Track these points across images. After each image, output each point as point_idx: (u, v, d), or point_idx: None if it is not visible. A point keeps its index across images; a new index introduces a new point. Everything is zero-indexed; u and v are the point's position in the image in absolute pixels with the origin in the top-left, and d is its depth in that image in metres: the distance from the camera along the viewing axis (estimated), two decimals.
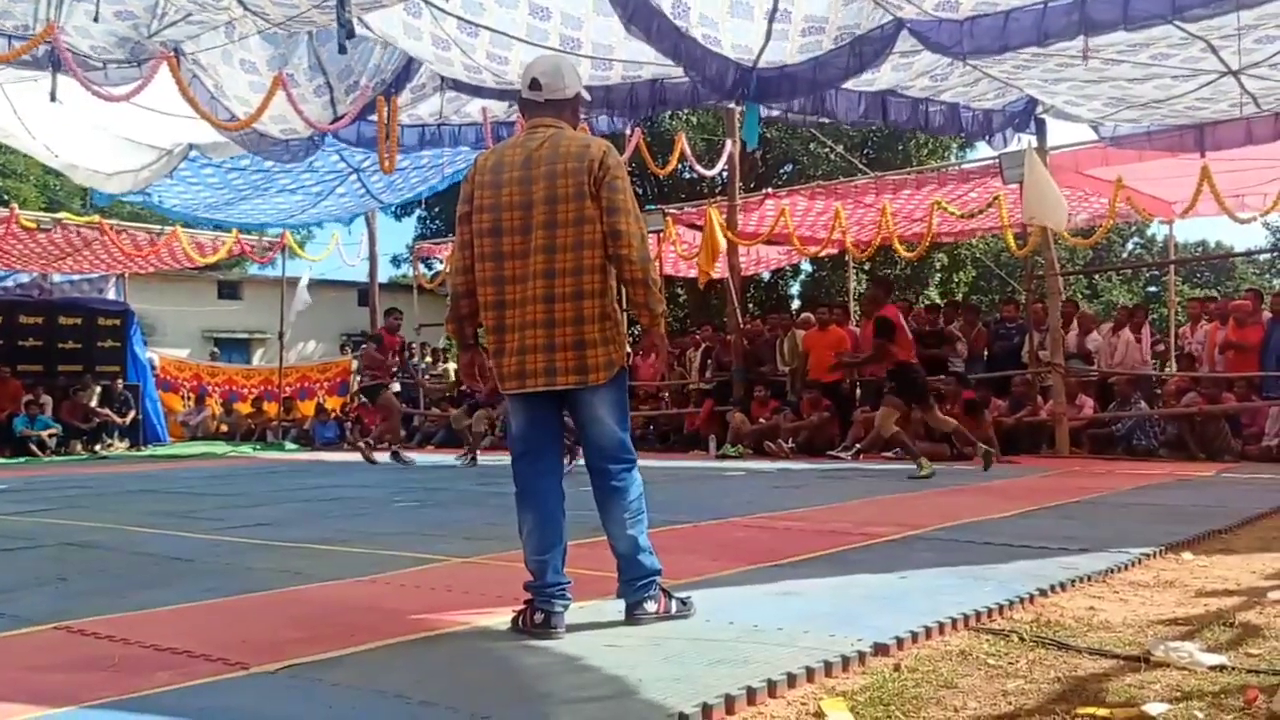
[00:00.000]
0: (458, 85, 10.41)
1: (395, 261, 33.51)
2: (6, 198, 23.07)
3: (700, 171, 16.60)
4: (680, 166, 17.82)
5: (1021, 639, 3.11)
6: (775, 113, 9.68)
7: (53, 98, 9.30)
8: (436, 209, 29.73)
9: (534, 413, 3.37)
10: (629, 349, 3.40)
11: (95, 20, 8.52)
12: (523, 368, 3.27)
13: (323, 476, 10.51)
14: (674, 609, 3.36)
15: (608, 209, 3.21)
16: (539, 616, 3.21)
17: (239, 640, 3.18)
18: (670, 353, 3.63)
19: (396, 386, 14.11)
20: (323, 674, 2.79)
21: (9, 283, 18.45)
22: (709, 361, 14.82)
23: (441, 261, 21.49)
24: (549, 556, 3.29)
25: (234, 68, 10.08)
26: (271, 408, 18.87)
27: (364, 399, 13.40)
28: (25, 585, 4.38)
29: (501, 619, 3.41)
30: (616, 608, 3.41)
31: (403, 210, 26.06)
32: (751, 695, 2.48)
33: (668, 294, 18.71)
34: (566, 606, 3.27)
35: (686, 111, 22.72)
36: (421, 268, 21.48)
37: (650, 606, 3.32)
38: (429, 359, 20.21)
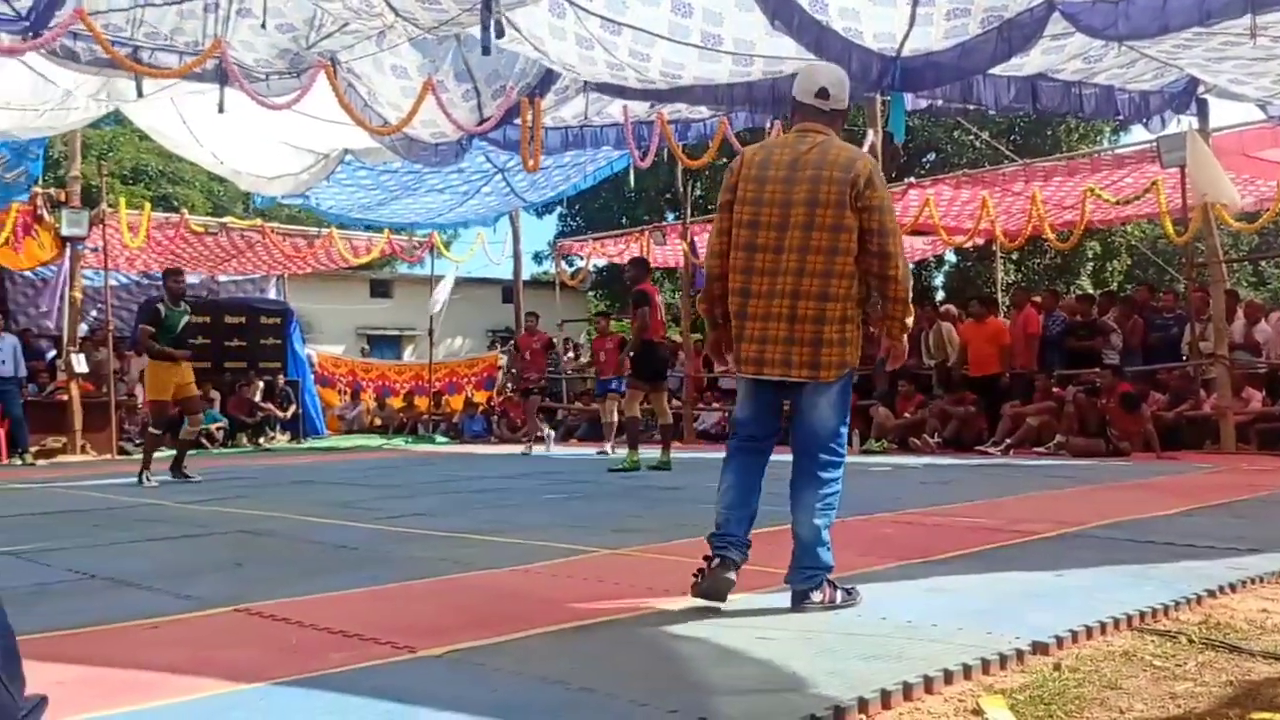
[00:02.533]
0: (600, 87, 10.56)
1: (537, 259, 34.16)
2: (176, 204, 24.38)
3: None
4: None
5: (1190, 641, 3.02)
6: (923, 103, 9.50)
7: (220, 109, 9.82)
8: (577, 207, 30.18)
9: (761, 398, 3.62)
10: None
11: (262, 27, 8.94)
12: (761, 355, 3.48)
13: (472, 469, 10.81)
14: (839, 599, 3.45)
15: (877, 230, 3.39)
16: (715, 561, 3.45)
17: (405, 625, 3.33)
18: (903, 355, 3.76)
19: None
20: (485, 659, 2.90)
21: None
22: None
23: (582, 259, 21.82)
24: (735, 512, 3.54)
25: (386, 74, 10.46)
26: (422, 402, 19.47)
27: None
28: (205, 570, 4.66)
29: (653, 610, 3.48)
30: (771, 601, 3.45)
31: (544, 209, 26.50)
32: (908, 690, 2.48)
33: None
34: (738, 561, 3.46)
35: None
36: (563, 264, 21.82)
37: (816, 596, 3.43)
38: (571, 354, 20.55)
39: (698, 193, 23.35)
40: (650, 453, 10.51)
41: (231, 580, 4.35)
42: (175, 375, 9.63)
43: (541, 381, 14.18)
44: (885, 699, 2.43)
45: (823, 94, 3.58)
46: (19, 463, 13.22)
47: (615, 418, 12.54)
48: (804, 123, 3.58)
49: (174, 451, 10.15)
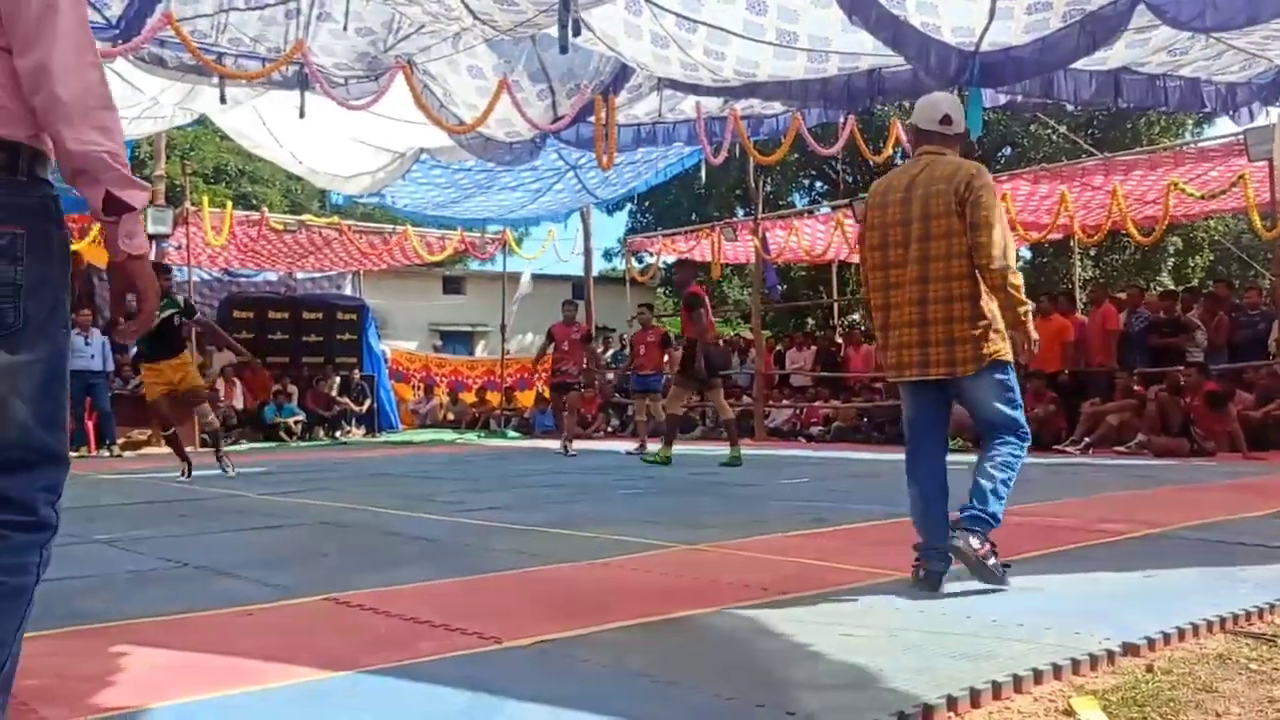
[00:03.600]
0: (674, 84, 10.58)
1: (607, 255, 34.24)
2: (255, 202, 24.90)
3: None
4: (894, 152, 17.47)
5: None
6: (1002, 99, 9.37)
7: (301, 115, 10.04)
8: (647, 204, 30.22)
9: (917, 399, 3.91)
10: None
11: (344, 30, 9.11)
12: (900, 360, 3.83)
13: (544, 463, 10.90)
14: (991, 563, 3.62)
15: (971, 225, 3.65)
16: (921, 573, 3.73)
17: (490, 616, 3.38)
18: (1030, 346, 3.87)
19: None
20: (571, 651, 2.94)
21: (259, 280, 19.96)
22: None
23: (652, 255, 21.84)
24: (927, 523, 3.78)
25: (462, 75, 10.59)
26: (494, 397, 19.67)
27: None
28: (292, 559, 4.78)
29: (733, 606, 3.49)
30: (853, 599, 3.44)
31: (615, 205, 26.59)
32: (997, 690, 2.47)
33: None
34: (945, 567, 3.70)
35: None
36: (633, 261, 21.87)
37: (974, 541, 3.60)
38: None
39: (769, 188, 23.29)
40: (717, 450, 10.50)
41: (318, 570, 4.45)
42: (162, 376, 9.39)
43: (580, 376, 13.19)
44: (974, 698, 2.42)
45: (945, 120, 3.89)
46: (106, 454, 13.62)
47: (662, 416, 12.56)
48: (926, 147, 3.89)
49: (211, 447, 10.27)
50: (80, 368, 13.68)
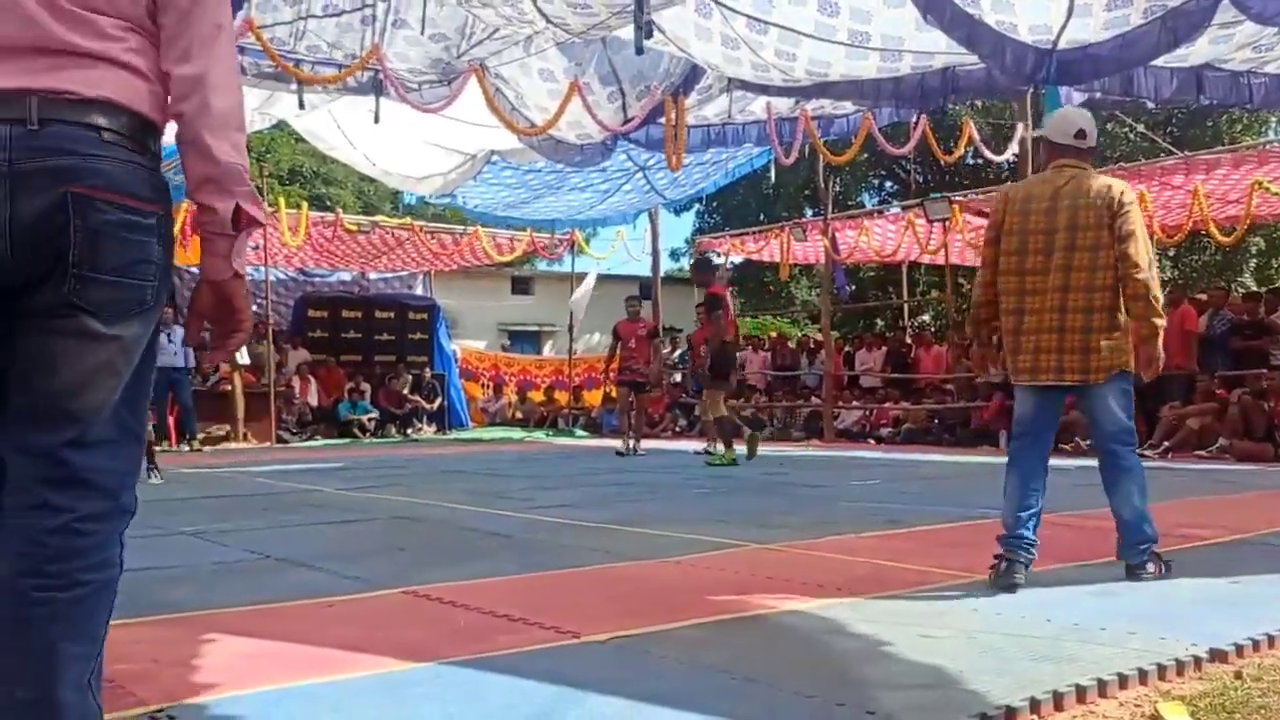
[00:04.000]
0: (744, 85, 10.56)
1: (675, 255, 34.23)
2: (329, 203, 25.33)
3: (989, 157, 16.01)
4: (966, 152, 17.25)
5: None
6: (1079, 97, 9.21)
7: (376, 120, 10.22)
8: (715, 204, 30.18)
9: (1038, 400, 4.01)
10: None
11: (421, 34, 9.24)
12: (1035, 364, 3.93)
13: (612, 462, 10.94)
14: (1163, 570, 3.90)
15: (1119, 236, 3.80)
16: (1003, 564, 3.78)
17: (567, 611, 3.42)
18: (1155, 360, 4.02)
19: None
20: (648, 647, 2.96)
21: (333, 280, 20.32)
22: (1000, 353, 14.29)
23: (720, 255, 21.81)
24: (1021, 514, 3.85)
25: (533, 78, 10.68)
26: (562, 396, 19.79)
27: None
28: (370, 552, 4.87)
29: (808, 605, 3.49)
30: (930, 599, 3.42)
31: (683, 206, 26.62)
32: (1081, 693, 2.44)
33: (950, 284, 18.13)
34: (1028, 563, 3.79)
35: None
36: None
37: (1150, 568, 3.87)
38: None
39: (838, 188, 23.11)
40: (785, 451, 10.45)
41: (395, 563, 4.53)
42: None
43: (650, 374, 12.57)
44: (1057, 700, 2.40)
45: (1080, 135, 4.06)
46: (186, 449, 13.95)
47: (721, 412, 12.51)
48: (1060, 160, 4.03)
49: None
50: (164, 363, 14.03)
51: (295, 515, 6.39)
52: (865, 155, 22.35)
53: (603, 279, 20.66)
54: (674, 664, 2.79)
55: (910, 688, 2.55)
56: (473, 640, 3.06)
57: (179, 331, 14.23)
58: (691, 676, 2.67)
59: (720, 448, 10.62)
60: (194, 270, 13.35)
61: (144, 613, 3.46)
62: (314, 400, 16.89)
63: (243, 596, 3.75)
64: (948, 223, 14.86)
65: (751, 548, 4.84)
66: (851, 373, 17.22)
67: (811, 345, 18.71)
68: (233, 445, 14.69)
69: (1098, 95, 9.59)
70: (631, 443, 12.03)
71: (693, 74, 10.65)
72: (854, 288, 23.85)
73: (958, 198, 15.58)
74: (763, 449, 11.34)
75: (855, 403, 16.47)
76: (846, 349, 18.41)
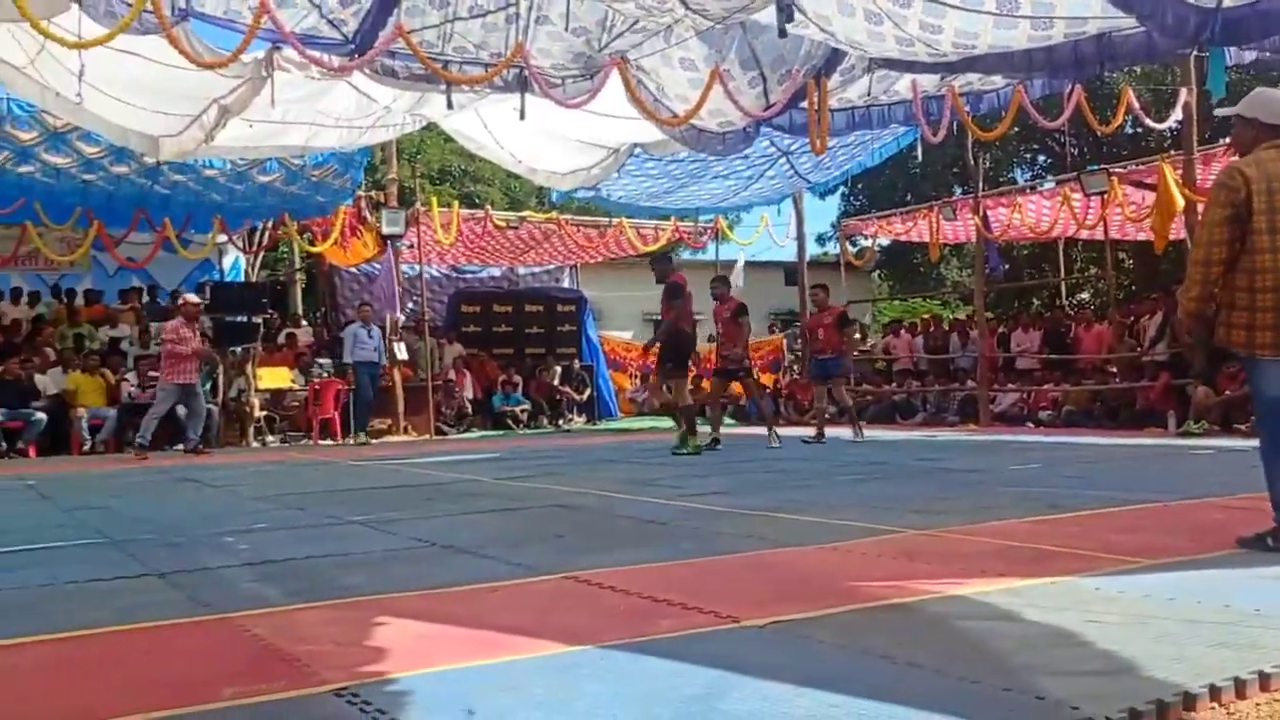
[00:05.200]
0: (888, 63, 10.37)
1: (820, 240, 33.85)
2: (478, 200, 25.95)
3: (1149, 125, 15.30)
4: (1125, 121, 16.51)
5: None
6: (1249, 56, 8.72)
7: (521, 116, 10.45)
8: (859, 186, 29.71)
9: None
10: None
11: (566, 30, 9.40)
12: None
13: (761, 450, 10.92)
14: None
15: None
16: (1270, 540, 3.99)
17: (725, 596, 3.45)
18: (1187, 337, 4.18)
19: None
20: (808, 631, 2.98)
21: (484, 275, 20.85)
22: (1167, 331, 13.67)
23: (867, 238, 21.48)
24: None
25: (674, 68, 10.72)
26: (709, 385, 19.79)
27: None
28: (529, 539, 5.01)
29: (970, 590, 3.44)
30: (1096, 583, 3.33)
31: (827, 189, 26.29)
32: (1265, 681, 2.35)
33: (1111, 260, 17.43)
34: None
35: None
36: (848, 245, 21.56)
37: None
38: (856, 335, 20.29)
39: (988, 164, 22.47)
40: (940, 435, 10.23)
41: (554, 549, 4.65)
42: None
43: (745, 360, 12.07)
44: (1239, 688, 2.31)
45: None
46: (351, 442, 14.54)
47: (849, 402, 12.40)
48: (1273, 140, 4.13)
49: None
50: (364, 358, 14.60)
51: (457, 504, 6.62)
52: (1016, 129, 21.61)
53: (747, 266, 20.59)
54: (834, 649, 2.79)
55: (1079, 674, 2.50)
56: (633, 624, 3.13)
57: (377, 330, 14.79)
58: (852, 661, 2.68)
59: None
60: (353, 270, 13.89)
61: (324, 597, 3.66)
62: (469, 393, 17.36)
63: (413, 582, 3.91)
64: (1106, 196, 14.31)
65: (908, 533, 4.78)
66: (1007, 354, 16.75)
67: (964, 327, 18.26)
68: (394, 438, 15.23)
69: (1267, 55, 9.07)
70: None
71: (834, 56, 10.52)
72: (1007, 266, 23.13)
73: (1116, 169, 14.97)
74: (917, 433, 11.16)
75: (1011, 385, 16.01)
76: (1001, 330, 17.92)
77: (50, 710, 2.50)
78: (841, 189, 30.27)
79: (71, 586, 4.05)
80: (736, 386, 19.53)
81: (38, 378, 14.01)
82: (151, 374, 14.34)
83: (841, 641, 2.86)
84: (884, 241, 22.44)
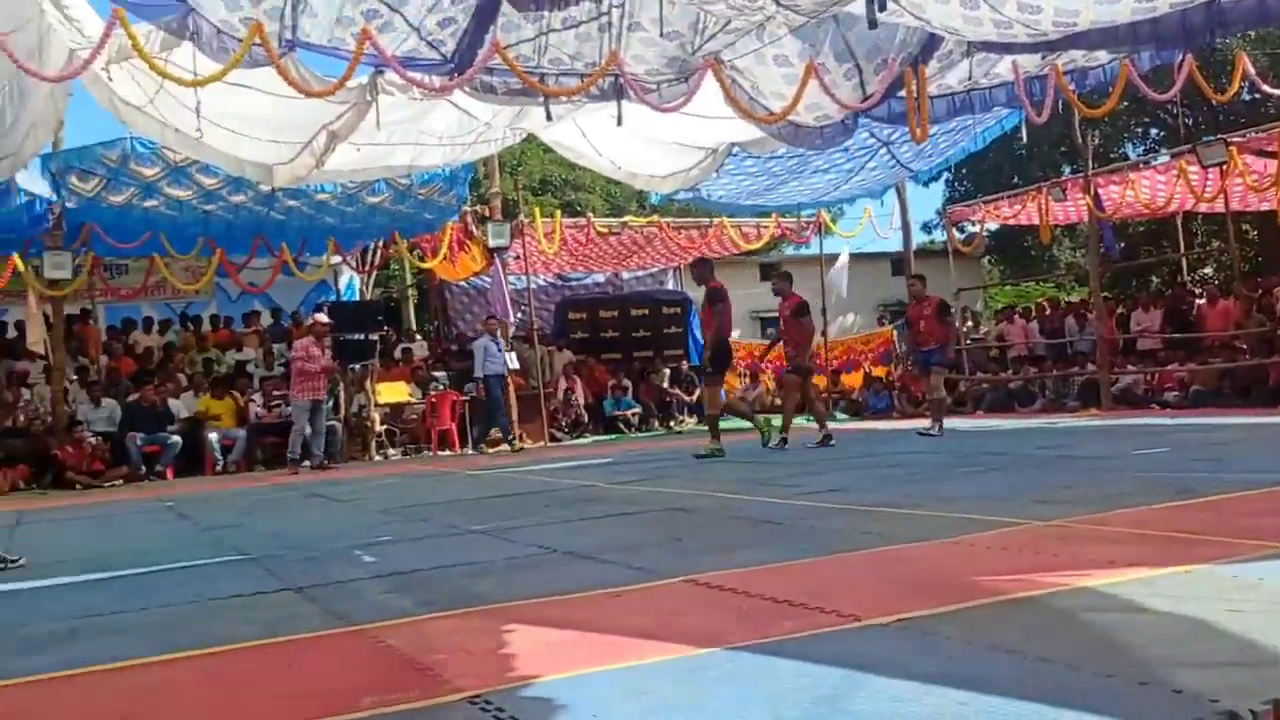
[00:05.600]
0: (987, 46, 10.16)
1: (926, 228, 33.26)
2: (579, 208, 26.23)
3: (1268, 91, 14.68)
4: (1240, 89, 15.84)
5: None
6: None
7: (619, 123, 10.53)
8: (964, 171, 29.12)
9: None
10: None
11: (660, 35, 9.46)
12: None
13: (879, 444, 10.82)
14: None
15: None
16: None
17: (845, 594, 3.45)
18: None
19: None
20: (933, 628, 2.95)
21: (588, 282, 21.05)
22: None
23: (975, 224, 21.05)
24: None
25: (768, 65, 10.68)
26: (820, 380, 19.65)
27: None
28: (648, 543, 5.05)
29: (1100, 582, 3.37)
30: (1234, 572, 3.24)
31: (931, 176, 25.84)
32: None
33: (1234, 232, 16.75)
34: None
35: None
36: (955, 232, 21.16)
37: None
38: (969, 323, 19.93)
39: (1097, 141, 21.81)
40: (1061, 422, 9.99)
41: (674, 552, 4.69)
42: None
43: (800, 357, 11.86)
44: None
45: None
46: (470, 451, 14.84)
47: (943, 393, 12.13)
48: None
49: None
50: (496, 371, 14.88)
51: (575, 510, 6.71)
52: (1125, 103, 20.96)
53: (852, 257, 20.39)
54: (962, 645, 2.77)
55: (1219, 665, 2.44)
56: (757, 625, 3.14)
57: (502, 343, 15.05)
58: (981, 657, 2.65)
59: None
60: (462, 284, 14.23)
61: (452, 606, 3.77)
62: (580, 399, 17.55)
63: (537, 588, 3.99)
64: (1225, 167, 13.79)
65: (1033, 525, 4.69)
66: (1127, 335, 16.25)
67: (1081, 309, 17.78)
68: (509, 447, 15.48)
69: None
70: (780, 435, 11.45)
71: (931, 42, 10.34)
72: (1123, 245, 22.43)
73: (1235, 139, 14.40)
74: (1036, 420, 10.92)
75: (1133, 367, 15.52)
76: (1120, 310, 17.39)
77: None
78: (945, 175, 29.72)
79: (215, 603, 4.24)
80: (848, 379, 19.48)
81: (171, 402, 14.64)
82: (276, 394, 14.89)
83: (968, 638, 2.83)
84: (992, 226, 21.98)
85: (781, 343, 11.92)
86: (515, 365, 15.91)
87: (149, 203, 13.68)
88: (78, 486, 12.80)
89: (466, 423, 15.91)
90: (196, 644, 3.43)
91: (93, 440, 13.59)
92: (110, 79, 8.73)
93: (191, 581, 4.83)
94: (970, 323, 19.82)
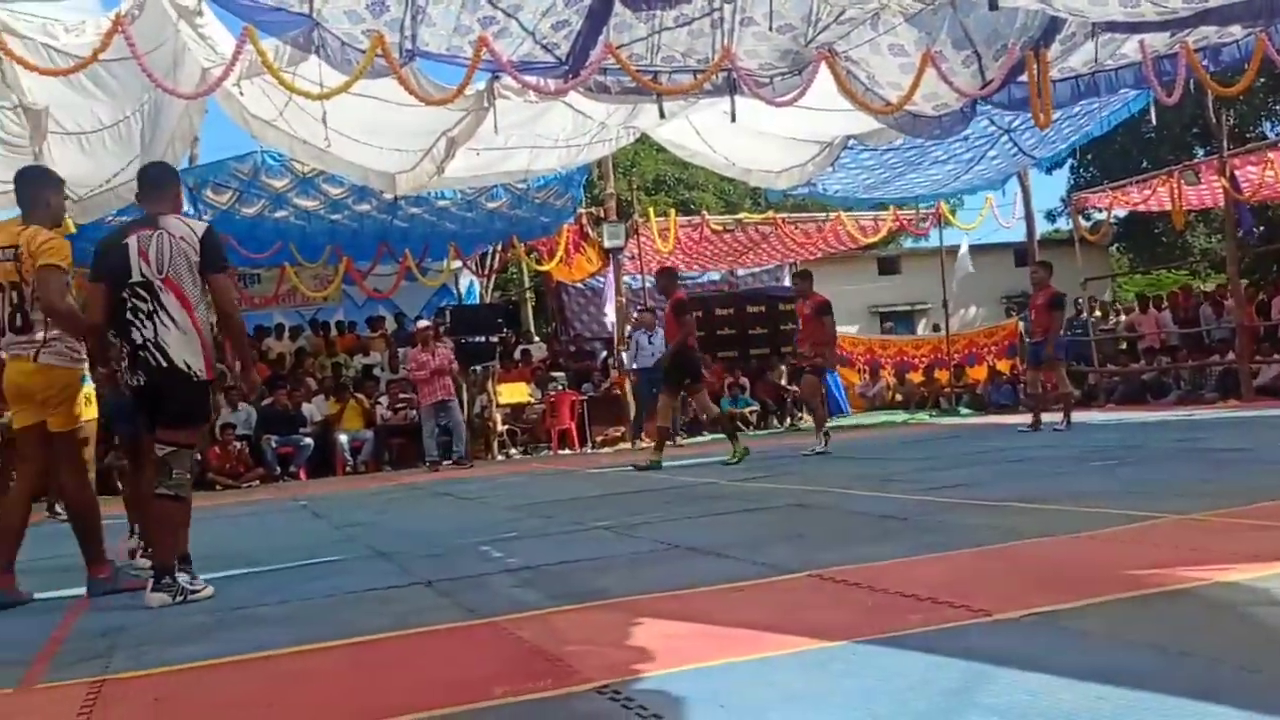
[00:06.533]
0: (1113, 26, 9.84)
1: (1050, 217, 32.36)
2: (693, 207, 26.25)
3: None
4: None
5: None
6: None
7: (732, 119, 10.52)
8: (1089, 156, 28.24)
9: None
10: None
11: (770, 31, 9.43)
12: None
13: (1005, 439, 10.56)
14: None
15: None
16: None
17: (974, 589, 3.40)
18: None
19: None
20: (1066, 623, 2.89)
21: (703, 280, 21.07)
22: None
23: (1102, 211, 20.38)
24: None
25: (884, 55, 10.52)
26: (943, 375, 19.29)
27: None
28: (771, 539, 5.04)
29: (1243, 575, 3.24)
30: None
31: (1054, 163, 25.09)
32: None
33: None
34: None
35: None
36: (1080, 219, 20.51)
37: None
38: (1097, 313, 19.31)
39: (1232, 121, 20.91)
40: (1196, 414, 9.60)
41: (796, 548, 4.67)
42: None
43: (817, 357, 11.30)
44: None
45: None
46: (589, 450, 14.99)
47: (1068, 387, 11.74)
48: None
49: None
50: (646, 365, 14.91)
51: (696, 507, 6.74)
52: (1262, 80, 20.03)
53: (972, 249, 19.94)
54: (1098, 640, 2.70)
55: None
56: (883, 619, 3.12)
57: (660, 332, 15.07)
58: (1118, 652, 2.59)
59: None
60: (578, 285, 14.41)
61: (579, 600, 3.83)
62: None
63: (661, 583, 4.03)
64: None
65: (1169, 519, 4.54)
66: (1268, 323, 15.53)
67: (1217, 297, 17.06)
68: (627, 445, 15.59)
69: None
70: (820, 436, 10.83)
71: (1053, 24, 10.05)
72: (1262, 228, 21.41)
73: None
74: (1172, 413, 10.53)
75: (1276, 356, 14.82)
76: (1260, 297, 16.63)
77: (348, 708, 2.74)
78: (1070, 161, 28.80)
79: (351, 596, 4.39)
80: (972, 373, 19.05)
81: (304, 406, 15.16)
82: (402, 396, 15.29)
83: (1105, 632, 2.76)
84: (1120, 213, 21.25)
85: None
86: (635, 364, 16.00)
87: (279, 213, 14.19)
88: (218, 487, 13.36)
89: (585, 422, 16.08)
90: (334, 635, 3.56)
91: (238, 444, 14.17)
92: (242, 94, 9.10)
93: (328, 576, 5.01)
94: (1098, 313, 19.18)
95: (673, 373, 10.72)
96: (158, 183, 5.02)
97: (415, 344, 13.95)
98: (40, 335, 4.90)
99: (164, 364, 4.60)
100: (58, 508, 9.46)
